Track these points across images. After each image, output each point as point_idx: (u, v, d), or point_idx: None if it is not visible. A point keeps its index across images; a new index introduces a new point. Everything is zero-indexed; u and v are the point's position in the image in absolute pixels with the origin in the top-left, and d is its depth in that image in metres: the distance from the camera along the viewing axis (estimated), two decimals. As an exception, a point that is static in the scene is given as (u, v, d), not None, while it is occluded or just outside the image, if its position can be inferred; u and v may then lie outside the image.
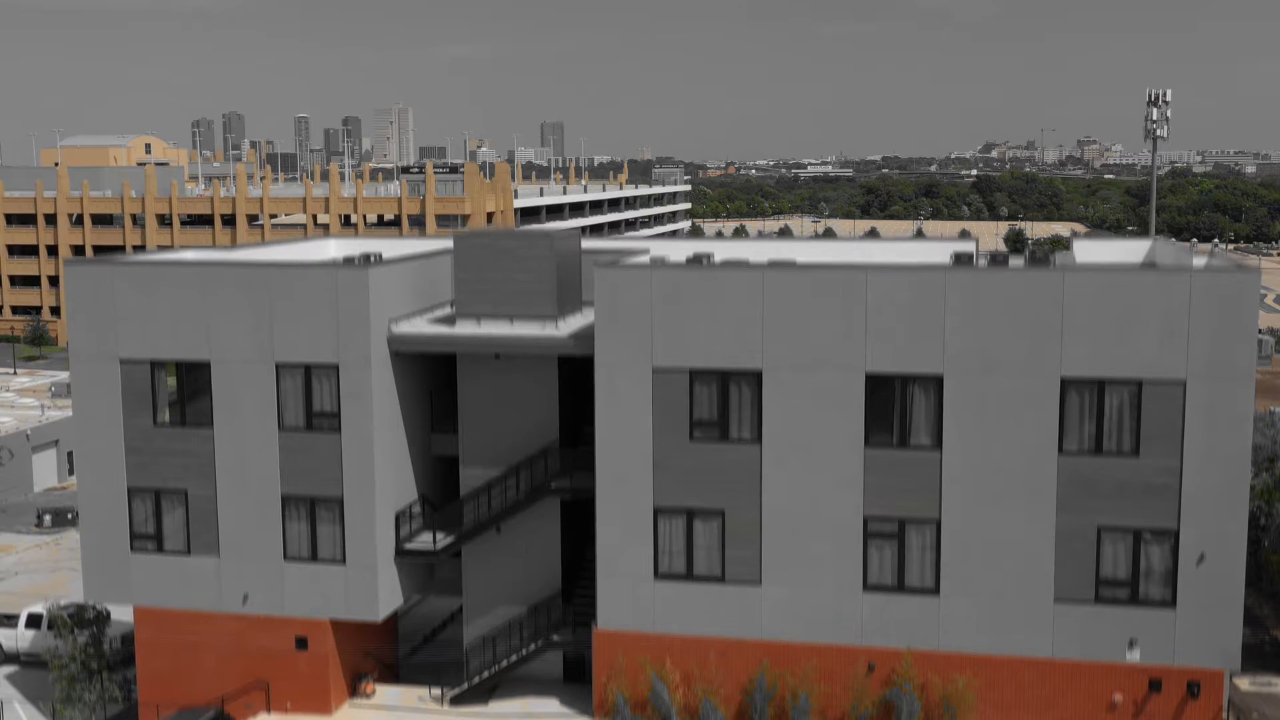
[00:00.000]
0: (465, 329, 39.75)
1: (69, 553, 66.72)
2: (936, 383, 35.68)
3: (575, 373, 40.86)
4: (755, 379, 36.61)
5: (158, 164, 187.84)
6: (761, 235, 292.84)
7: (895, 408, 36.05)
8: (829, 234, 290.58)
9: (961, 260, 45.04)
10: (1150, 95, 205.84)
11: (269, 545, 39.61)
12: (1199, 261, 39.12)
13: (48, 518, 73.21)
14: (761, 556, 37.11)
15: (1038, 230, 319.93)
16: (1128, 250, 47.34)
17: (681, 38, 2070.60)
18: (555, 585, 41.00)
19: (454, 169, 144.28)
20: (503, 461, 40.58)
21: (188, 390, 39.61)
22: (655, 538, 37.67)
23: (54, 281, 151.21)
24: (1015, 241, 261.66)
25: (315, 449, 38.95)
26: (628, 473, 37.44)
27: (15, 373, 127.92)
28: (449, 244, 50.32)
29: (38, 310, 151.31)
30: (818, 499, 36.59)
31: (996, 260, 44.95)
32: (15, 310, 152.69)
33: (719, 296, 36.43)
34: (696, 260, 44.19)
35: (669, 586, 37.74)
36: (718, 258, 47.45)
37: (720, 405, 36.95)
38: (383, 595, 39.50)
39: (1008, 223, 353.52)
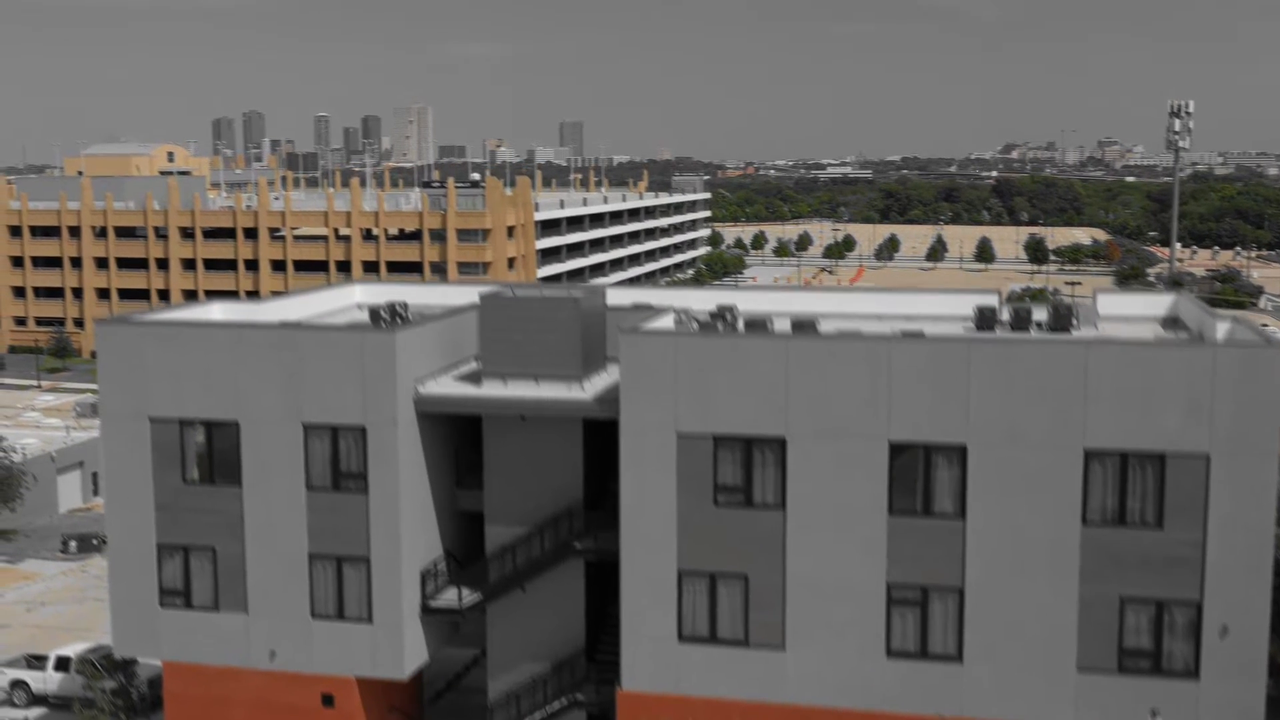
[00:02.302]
0: (491, 389, 40.06)
1: (95, 580, 67.28)
2: (960, 452, 35.87)
3: (600, 432, 41.12)
4: (779, 446, 36.85)
5: (180, 173, 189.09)
6: (781, 242, 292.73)
7: (919, 476, 36.24)
8: (848, 241, 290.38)
9: (984, 315, 45.18)
10: (1172, 106, 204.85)
11: (296, 603, 40.02)
12: (1222, 327, 39.15)
13: (73, 544, 73.76)
14: (785, 621, 37.34)
15: (1058, 236, 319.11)
16: (1149, 304, 47.35)
17: (700, 37, 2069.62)
18: (579, 643, 41.34)
19: (475, 184, 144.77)
20: (528, 520, 40.91)
21: (217, 449, 40.03)
22: (679, 601, 37.93)
23: (77, 294, 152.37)
24: (1035, 250, 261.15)
25: (342, 509, 39.34)
26: (652, 536, 37.71)
27: (40, 385, 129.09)
28: (473, 292, 50.68)
29: (61, 322, 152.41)
30: (841, 565, 36.80)
31: (1019, 316, 44.99)
32: (39, 321, 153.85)
33: (743, 364, 36.67)
34: (719, 315, 44.35)
35: (693, 649, 38.01)
36: (741, 308, 47.61)
37: (744, 471, 37.21)
38: (408, 653, 39.88)
39: (1027, 228, 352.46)
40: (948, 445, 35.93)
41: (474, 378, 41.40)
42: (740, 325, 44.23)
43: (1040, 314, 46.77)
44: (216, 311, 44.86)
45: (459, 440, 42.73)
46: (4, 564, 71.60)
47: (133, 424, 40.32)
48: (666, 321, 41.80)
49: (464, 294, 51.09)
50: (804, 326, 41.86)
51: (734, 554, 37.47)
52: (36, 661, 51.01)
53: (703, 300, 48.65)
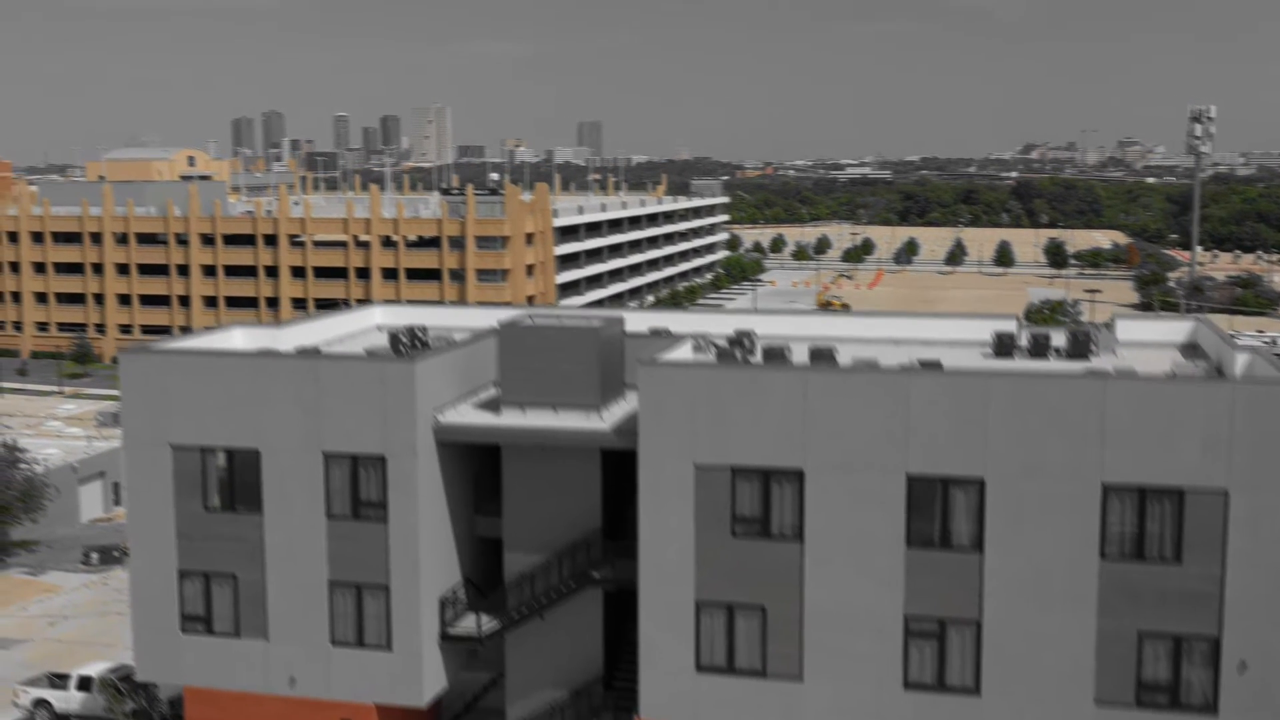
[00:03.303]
0: (510, 418, 40.26)
1: (117, 593, 67.47)
2: (978, 485, 35.92)
3: (619, 459, 41.26)
4: (797, 478, 36.96)
5: (200, 177, 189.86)
6: (799, 245, 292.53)
7: (936, 509, 36.31)
8: (867, 244, 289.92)
9: (1003, 341, 45.23)
10: (1193, 111, 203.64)
11: (316, 629, 40.31)
12: (1241, 359, 39.10)
13: (95, 556, 73.99)
14: (802, 652, 37.46)
15: (1078, 239, 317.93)
16: (1168, 330, 47.30)
17: (719, 36, 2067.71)
18: (597, 670, 41.54)
19: (494, 190, 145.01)
20: (546, 548, 41.10)
21: (238, 477, 40.34)
22: (697, 631, 38.09)
23: (99, 299, 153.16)
24: (1055, 254, 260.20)
25: (362, 537, 39.61)
26: (670, 567, 37.87)
27: (62, 391, 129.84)
28: (493, 314, 50.94)
29: (83, 327, 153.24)
30: (859, 597, 36.90)
31: (1038, 342, 45.02)
32: (61, 327, 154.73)
33: (761, 396, 36.79)
34: (737, 341, 44.49)
35: (710, 680, 38.14)
36: (759, 333, 47.77)
37: (762, 503, 37.33)
38: (427, 680, 40.14)
39: (1047, 231, 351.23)
40: (965, 478, 35.99)
41: (493, 405, 41.59)
42: (758, 352, 44.35)
43: (1059, 339, 46.80)
44: (238, 338, 45.19)
45: (478, 466, 42.95)
46: (26, 576, 71.93)
47: (155, 451, 40.66)
48: (684, 351, 41.91)
49: (484, 316, 51.39)
50: (822, 356, 41.93)
51: (751, 585, 37.60)
52: (59, 680, 51.34)
53: (720, 324, 48.82)
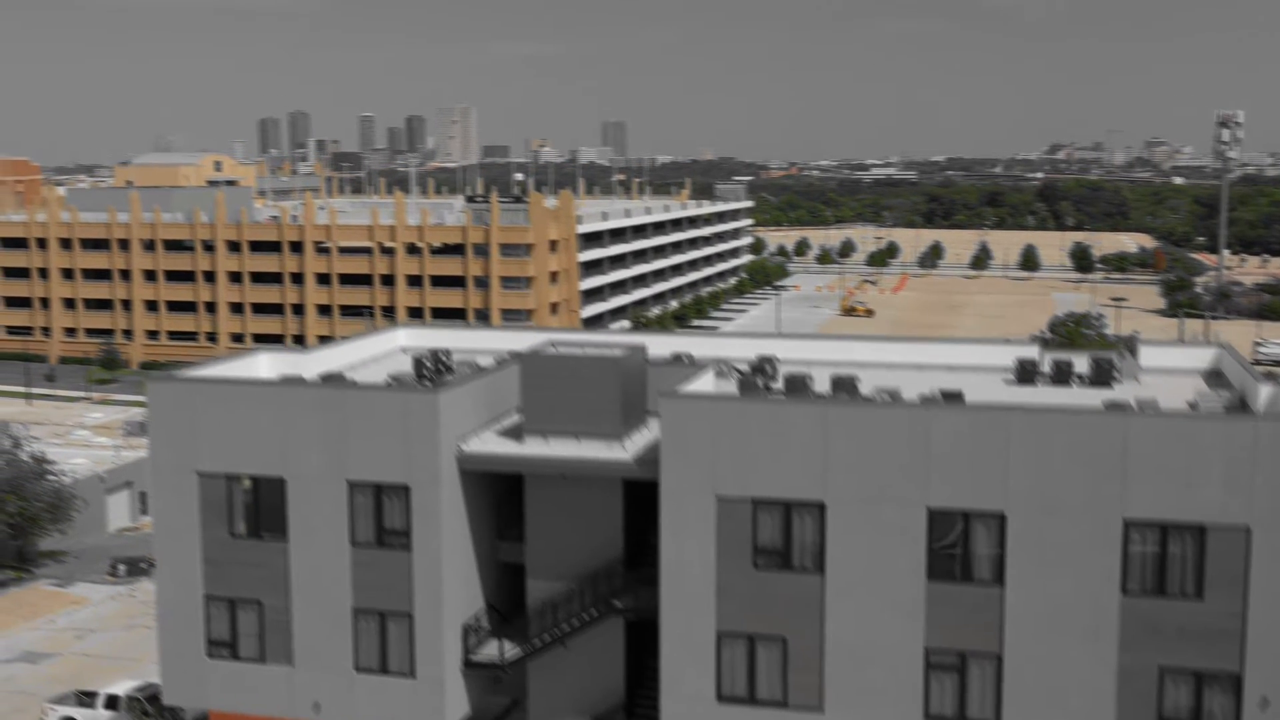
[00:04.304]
0: (532, 447, 40.49)
1: (144, 606, 68.10)
2: (999, 519, 35.96)
3: (640, 489, 41.44)
4: (818, 510, 37.08)
5: (227, 183, 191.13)
6: (824, 249, 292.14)
7: (957, 543, 36.36)
8: (891, 248, 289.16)
9: (1025, 368, 45.26)
10: (1220, 116, 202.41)
11: (340, 656, 40.64)
12: (1264, 390, 39.01)
13: (122, 568, 74.64)
14: (823, 683, 37.56)
15: (1104, 243, 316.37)
16: (1192, 357, 47.21)
17: (744, 36, 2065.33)
18: (618, 698, 41.74)
19: (518, 198, 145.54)
20: (569, 575, 41.33)
21: (263, 504, 40.71)
22: (718, 661, 38.24)
23: (126, 305, 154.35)
24: (1081, 258, 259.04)
25: (386, 565, 39.90)
26: (691, 597, 38.03)
27: (90, 398, 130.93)
28: (516, 337, 51.22)
29: (110, 333, 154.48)
30: (880, 629, 36.98)
31: (1060, 369, 45.04)
32: (89, 333, 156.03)
33: (782, 429, 36.90)
34: (759, 368, 44.66)
35: (731, 710, 38.29)
36: (781, 357, 47.92)
37: (783, 534, 37.44)
38: (449, 707, 40.42)
39: (1073, 234, 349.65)
40: (986, 512, 36.03)
41: (515, 433, 41.82)
42: (780, 378, 44.49)
43: (1081, 364, 46.78)
44: (264, 364, 45.58)
45: (501, 491, 43.18)
46: (54, 587, 72.67)
47: (181, 478, 41.07)
48: (706, 380, 42.04)
49: (507, 338, 51.67)
50: (844, 385, 42.03)
51: (772, 616, 37.72)
52: (86, 698, 51.91)
53: (742, 349, 48.99)
